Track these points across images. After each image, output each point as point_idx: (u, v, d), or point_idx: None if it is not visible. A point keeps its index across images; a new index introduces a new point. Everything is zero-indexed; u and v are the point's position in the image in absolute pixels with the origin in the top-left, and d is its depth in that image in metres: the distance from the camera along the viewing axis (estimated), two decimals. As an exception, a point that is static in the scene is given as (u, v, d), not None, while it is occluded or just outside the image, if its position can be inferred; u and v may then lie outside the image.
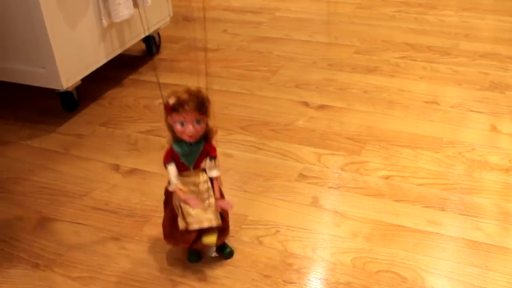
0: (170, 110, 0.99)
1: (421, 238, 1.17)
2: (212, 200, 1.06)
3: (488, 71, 1.84)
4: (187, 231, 1.06)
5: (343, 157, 1.44)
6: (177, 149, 1.03)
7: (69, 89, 1.66)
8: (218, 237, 1.09)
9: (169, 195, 1.09)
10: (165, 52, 2.12)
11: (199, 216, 1.05)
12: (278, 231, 1.21)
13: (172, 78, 1.91)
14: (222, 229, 1.09)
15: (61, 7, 1.54)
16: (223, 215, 1.08)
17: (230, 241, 1.18)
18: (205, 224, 1.06)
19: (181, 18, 2.43)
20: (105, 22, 1.70)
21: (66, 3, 1.55)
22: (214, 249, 1.16)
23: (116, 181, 1.41)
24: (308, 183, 1.36)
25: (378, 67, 1.91)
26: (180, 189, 1.02)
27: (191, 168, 1.05)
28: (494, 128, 1.54)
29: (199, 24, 2.41)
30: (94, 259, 1.17)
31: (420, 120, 1.59)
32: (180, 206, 1.05)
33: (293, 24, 2.33)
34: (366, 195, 1.31)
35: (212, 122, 1.05)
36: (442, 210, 1.25)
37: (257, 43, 2.17)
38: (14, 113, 1.75)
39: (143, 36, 1.94)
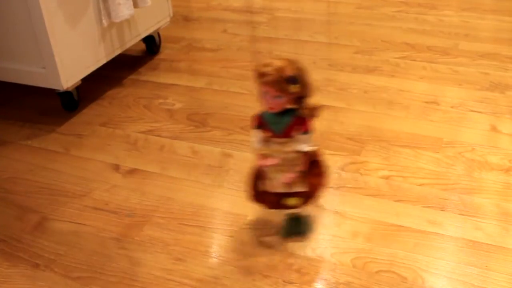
0: (258, 78, 1.01)
1: (421, 238, 1.17)
2: (297, 168, 1.08)
3: (488, 71, 1.84)
4: (269, 192, 1.10)
5: (343, 157, 1.44)
6: (265, 115, 1.06)
7: (69, 89, 1.66)
8: (302, 202, 1.11)
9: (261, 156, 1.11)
10: (165, 52, 2.12)
11: (279, 180, 1.08)
12: (278, 231, 1.21)
13: (172, 78, 1.91)
14: (307, 195, 1.11)
15: (61, 7, 1.54)
16: (312, 184, 1.11)
17: (230, 241, 1.18)
18: (285, 189, 1.09)
19: (181, 18, 2.43)
20: (105, 22, 1.70)
21: (66, 3, 1.55)
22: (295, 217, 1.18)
23: (116, 181, 1.41)
24: (308, 183, 1.36)
25: (378, 67, 1.91)
26: (260, 154, 1.06)
27: (281, 136, 1.06)
28: (494, 128, 1.54)
29: (199, 24, 2.41)
30: (94, 259, 1.17)
31: (420, 120, 1.59)
32: (267, 170, 1.08)
33: (293, 24, 2.33)
34: (366, 195, 1.31)
35: (314, 100, 1.06)
36: (442, 210, 1.25)
37: (257, 43, 2.17)
38: (14, 113, 1.75)
39: (143, 36, 1.94)
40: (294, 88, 1.01)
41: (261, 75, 1.01)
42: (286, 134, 1.06)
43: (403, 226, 1.21)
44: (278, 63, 1.01)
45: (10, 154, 1.55)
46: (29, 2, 1.47)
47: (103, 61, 1.75)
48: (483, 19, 2.27)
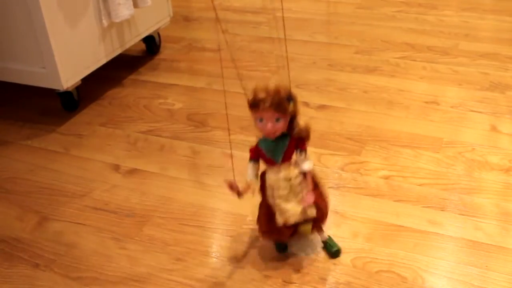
0: (249, 106, 1.00)
1: (421, 238, 1.17)
2: (310, 188, 1.05)
3: (488, 71, 1.84)
4: (284, 226, 1.07)
5: (343, 157, 1.44)
6: (261, 145, 1.05)
7: (69, 89, 1.66)
8: (313, 226, 1.09)
9: (264, 194, 1.09)
10: (165, 52, 2.12)
11: (295, 210, 1.05)
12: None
13: (172, 78, 1.91)
14: (317, 219, 1.09)
15: (61, 7, 1.54)
16: (319, 206, 1.08)
17: (230, 241, 1.18)
18: (301, 218, 1.06)
19: (181, 18, 2.43)
20: (105, 22, 1.70)
21: (66, 3, 1.55)
22: (322, 245, 1.16)
23: (116, 181, 1.41)
24: (308, 183, 1.36)
25: (378, 67, 1.91)
26: (248, 186, 1.04)
27: (280, 163, 1.04)
28: (494, 128, 1.54)
29: (199, 24, 2.41)
30: (94, 259, 1.17)
31: (420, 120, 1.59)
32: (276, 203, 1.05)
33: (293, 24, 2.33)
34: (366, 195, 1.31)
35: (303, 121, 1.05)
36: (442, 210, 1.25)
37: (257, 43, 2.17)
38: (14, 113, 1.75)
39: (143, 36, 1.94)
40: (292, 107, 1.01)
41: (255, 102, 0.99)
42: (285, 160, 1.05)
43: (403, 226, 1.21)
44: (263, 88, 1.00)
45: (10, 154, 1.55)
46: (29, 2, 1.47)
47: (103, 61, 1.76)
48: (483, 19, 2.27)
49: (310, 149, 1.48)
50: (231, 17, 2.45)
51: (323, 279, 1.09)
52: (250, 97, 1.00)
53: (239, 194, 1.03)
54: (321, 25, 2.32)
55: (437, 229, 1.20)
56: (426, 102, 1.68)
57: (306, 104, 1.70)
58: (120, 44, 1.81)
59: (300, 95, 1.76)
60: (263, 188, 1.08)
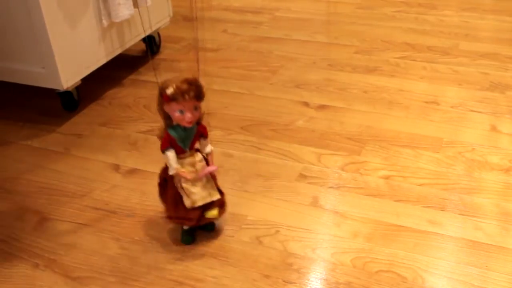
0: (169, 99, 1.03)
1: (421, 238, 1.17)
2: (209, 176, 1.13)
3: (488, 71, 1.84)
4: (192, 208, 1.12)
5: (343, 157, 1.44)
6: (173, 134, 1.08)
7: (69, 89, 1.66)
8: (219, 211, 1.16)
9: (168, 178, 1.13)
10: (165, 52, 2.13)
11: (201, 193, 1.12)
12: (278, 231, 1.21)
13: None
14: (221, 204, 1.16)
15: (61, 7, 1.54)
16: (221, 190, 1.16)
17: (230, 241, 1.19)
18: (208, 200, 1.13)
19: (181, 18, 2.43)
20: (105, 22, 1.70)
21: (66, 3, 1.55)
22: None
23: (116, 181, 1.41)
24: (308, 183, 1.36)
25: (378, 67, 1.91)
26: (182, 171, 1.09)
27: (187, 150, 1.10)
28: (494, 128, 1.54)
29: (199, 24, 2.40)
30: (94, 259, 1.17)
31: (420, 120, 1.59)
32: (182, 187, 1.11)
33: (293, 24, 2.33)
34: (366, 195, 1.31)
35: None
36: (442, 210, 1.25)
37: (257, 43, 2.17)
38: (14, 113, 1.75)
39: (143, 36, 1.94)
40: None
41: (179, 93, 1.02)
42: (191, 146, 1.11)
43: (403, 226, 1.21)
44: (181, 80, 1.03)
45: (10, 154, 1.55)
46: (29, 2, 1.47)
47: (103, 61, 1.76)
48: (483, 19, 2.27)
49: (310, 149, 1.49)
50: (231, 17, 2.45)
51: (323, 279, 1.09)
52: (170, 91, 1.02)
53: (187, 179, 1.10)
54: (321, 25, 2.32)
55: (437, 229, 1.20)
56: (426, 102, 1.68)
57: (306, 104, 1.70)
58: (120, 44, 1.81)
59: (300, 95, 1.77)
60: (166, 175, 1.12)
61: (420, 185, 1.33)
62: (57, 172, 1.45)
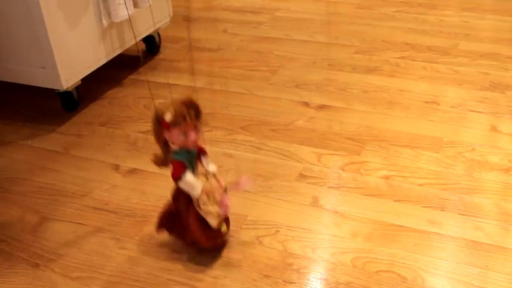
0: (169, 126, 1.00)
1: (421, 238, 1.17)
2: (225, 187, 1.11)
3: (488, 71, 1.84)
4: (217, 228, 1.11)
5: (343, 157, 1.44)
6: (181, 158, 1.05)
7: (69, 89, 1.66)
8: (227, 224, 1.16)
9: (181, 209, 1.10)
10: (165, 52, 2.12)
11: (217, 210, 1.09)
12: (278, 231, 1.21)
13: (172, 78, 1.91)
14: (226, 218, 1.15)
15: (61, 7, 1.54)
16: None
17: (230, 240, 1.19)
18: (223, 217, 1.11)
19: (181, 18, 2.43)
20: (105, 22, 1.70)
21: (66, 3, 1.55)
22: None
23: (116, 181, 1.41)
24: (308, 183, 1.36)
25: (378, 67, 1.91)
26: (209, 189, 1.06)
27: (195, 172, 1.08)
28: (494, 128, 1.54)
29: (199, 24, 2.41)
30: (94, 259, 1.17)
31: (420, 120, 1.59)
32: (201, 208, 1.07)
33: (293, 24, 2.33)
34: (366, 195, 1.31)
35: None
36: (442, 210, 1.25)
37: (257, 43, 2.17)
38: (14, 113, 1.75)
39: (143, 36, 1.94)
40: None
41: (180, 118, 0.99)
42: (196, 166, 1.08)
43: (403, 226, 1.21)
44: (177, 103, 1.00)
45: (10, 154, 1.55)
46: (29, 2, 1.47)
47: (103, 61, 1.76)
48: (483, 19, 2.27)
49: (310, 149, 1.49)
50: (231, 17, 2.45)
51: (323, 279, 1.09)
52: (167, 117, 0.99)
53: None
54: (321, 25, 2.32)
55: (437, 229, 1.20)
56: (426, 102, 1.68)
57: (306, 104, 1.70)
58: (120, 44, 1.81)
59: (300, 95, 1.77)
60: (181, 201, 1.09)
61: (420, 185, 1.33)
62: (57, 172, 1.45)
